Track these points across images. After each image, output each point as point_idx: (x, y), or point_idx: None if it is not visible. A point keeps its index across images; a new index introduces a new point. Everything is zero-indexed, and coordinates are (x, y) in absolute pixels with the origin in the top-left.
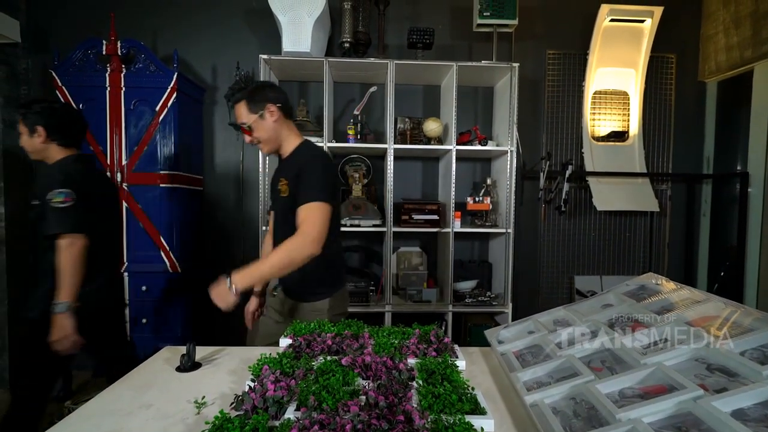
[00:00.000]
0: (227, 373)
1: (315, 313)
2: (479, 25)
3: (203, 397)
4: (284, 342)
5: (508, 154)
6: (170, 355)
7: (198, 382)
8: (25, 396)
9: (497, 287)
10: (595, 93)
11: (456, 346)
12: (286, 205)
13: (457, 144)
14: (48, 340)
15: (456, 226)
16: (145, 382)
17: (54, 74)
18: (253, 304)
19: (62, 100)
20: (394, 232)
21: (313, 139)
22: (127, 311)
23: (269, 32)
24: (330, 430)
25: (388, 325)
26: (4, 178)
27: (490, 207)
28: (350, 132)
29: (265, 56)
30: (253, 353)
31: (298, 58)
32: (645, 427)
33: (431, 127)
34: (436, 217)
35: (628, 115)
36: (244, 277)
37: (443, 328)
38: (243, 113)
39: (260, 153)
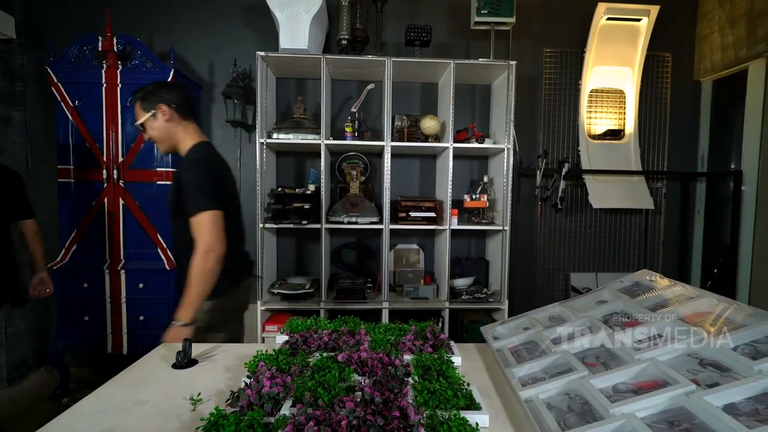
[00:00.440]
0: (223, 369)
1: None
2: (477, 23)
3: (199, 394)
4: (281, 339)
5: (505, 152)
6: (166, 351)
7: (194, 378)
8: None
9: (494, 284)
10: (591, 91)
11: (452, 343)
12: (170, 210)
13: (455, 142)
14: None
15: (453, 223)
16: (141, 378)
17: (49, 70)
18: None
19: (58, 97)
20: (391, 229)
21: (310, 137)
22: (124, 308)
23: (267, 29)
24: (325, 426)
25: (385, 322)
26: None
27: (487, 204)
28: (348, 129)
29: (262, 53)
30: (249, 350)
31: (296, 55)
32: (638, 422)
33: (428, 124)
34: (433, 214)
35: (624, 113)
36: (185, 311)
37: (440, 324)
38: (138, 112)
39: (257, 150)
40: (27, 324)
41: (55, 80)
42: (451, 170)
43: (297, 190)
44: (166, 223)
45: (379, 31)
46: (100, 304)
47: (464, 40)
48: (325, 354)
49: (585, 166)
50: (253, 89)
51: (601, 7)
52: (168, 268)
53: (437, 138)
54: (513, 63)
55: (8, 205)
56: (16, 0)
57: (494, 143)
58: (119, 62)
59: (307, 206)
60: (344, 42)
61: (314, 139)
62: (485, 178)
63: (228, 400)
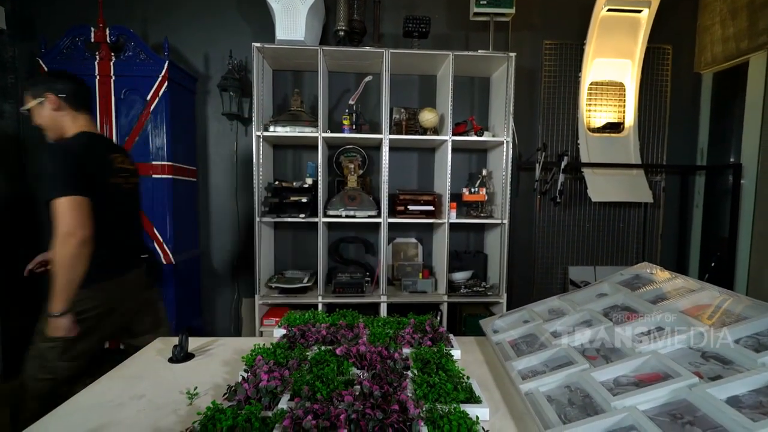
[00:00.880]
0: (220, 363)
1: None
2: (476, 14)
3: (195, 388)
4: (278, 332)
5: (504, 145)
6: (163, 346)
7: (190, 372)
8: None
9: (492, 278)
10: (591, 84)
11: (451, 336)
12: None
13: (453, 134)
14: None
15: (452, 217)
16: (137, 373)
17: (41, 62)
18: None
19: None
20: (389, 223)
21: (307, 130)
22: None
23: (263, 20)
24: (324, 419)
25: (384, 316)
26: None
27: (486, 198)
28: (345, 122)
29: (258, 44)
30: (246, 344)
31: (292, 47)
32: (640, 415)
33: (427, 117)
34: (431, 208)
35: (624, 106)
36: (55, 301)
37: (438, 318)
38: (26, 98)
39: (254, 143)
40: (21, 319)
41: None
42: (449, 163)
43: (294, 183)
44: (163, 217)
45: (377, 22)
46: None
47: (463, 31)
48: (323, 347)
49: (584, 159)
50: (249, 81)
51: None
52: (165, 262)
53: (436, 131)
54: (512, 55)
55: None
56: None
57: (493, 136)
58: (112, 54)
59: (304, 200)
60: (341, 33)
61: (311, 132)
62: (484, 172)
63: (225, 394)
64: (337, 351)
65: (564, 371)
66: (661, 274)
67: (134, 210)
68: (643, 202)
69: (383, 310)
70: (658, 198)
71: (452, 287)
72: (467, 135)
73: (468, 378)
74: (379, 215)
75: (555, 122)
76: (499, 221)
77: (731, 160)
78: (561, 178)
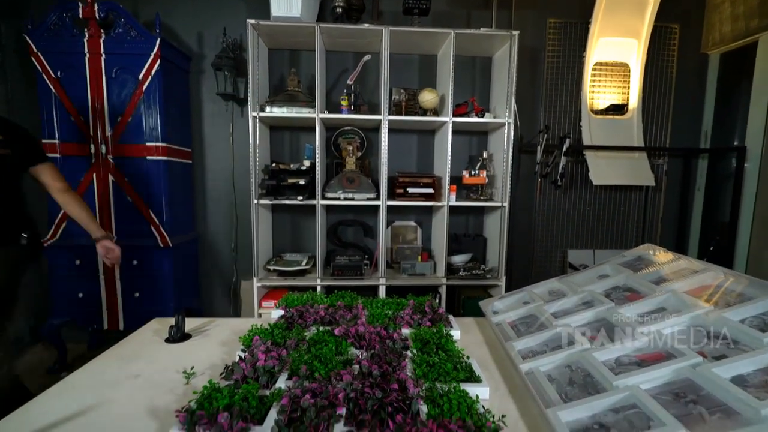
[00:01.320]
0: (218, 344)
1: None
2: None
3: (192, 368)
4: (276, 313)
5: (506, 127)
6: (159, 326)
7: (187, 352)
8: None
9: (492, 261)
10: (595, 64)
11: (450, 317)
12: None
13: (454, 116)
14: None
15: (451, 199)
16: (133, 352)
17: (29, 39)
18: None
19: (39, 68)
20: (388, 205)
21: (305, 110)
22: (118, 285)
23: None
24: (322, 398)
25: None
26: None
27: (486, 181)
28: (343, 103)
29: (252, 21)
30: (244, 325)
31: (288, 24)
32: (642, 393)
33: (427, 97)
34: (431, 190)
35: (629, 87)
36: None
37: (437, 300)
38: None
39: (250, 124)
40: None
41: (35, 50)
42: (449, 145)
43: (292, 165)
44: (159, 200)
45: None
46: (93, 281)
47: (465, 9)
48: (321, 328)
49: (586, 142)
50: (245, 60)
51: None
52: (162, 245)
53: (436, 112)
54: (516, 33)
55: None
56: None
57: (494, 117)
58: (102, 31)
59: (302, 182)
60: (339, 10)
61: (309, 112)
62: (484, 154)
63: (222, 373)
64: (336, 331)
65: (565, 351)
66: (663, 255)
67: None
68: (644, 185)
69: (382, 293)
70: (660, 181)
71: (451, 270)
72: (468, 116)
73: (468, 357)
74: (378, 198)
75: (558, 104)
76: (499, 204)
77: (735, 143)
78: (562, 161)
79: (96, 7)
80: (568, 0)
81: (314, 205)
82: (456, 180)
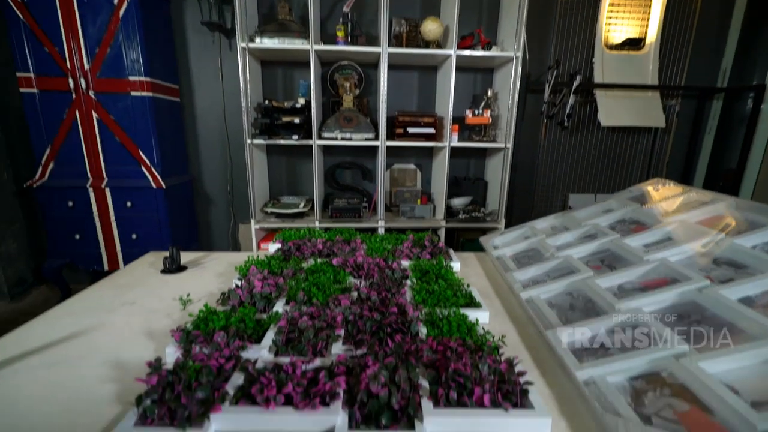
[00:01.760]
0: (214, 275)
1: None
2: None
3: (188, 295)
4: (273, 247)
5: (513, 62)
6: (154, 259)
7: (183, 282)
8: None
9: (492, 204)
10: None
11: (450, 250)
12: None
13: (458, 48)
14: None
15: (453, 140)
16: (128, 282)
17: None
18: None
19: None
20: (387, 146)
21: (297, 42)
22: (114, 226)
23: None
24: (320, 321)
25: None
26: None
27: (490, 121)
28: (339, 34)
29: None
30: (240, 257)
31: None
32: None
33: (430, 27)
34: (432, 130)
35: (648, 20)
36: None
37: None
38: None
39: (239, 57)
40: (19, 243)
41: None
42: (453, 83)
43: (286, 104)
44: (147, 139)
45: None
46: (89, 223)
47: None
48: (319, 260)
49: (598, 79)
50: None
51: None
52: (154, 186)
53: (439, 44)
54: None
55: None
56: None
57: (502, 51)
58: None
59: (297, 121)
60: None
61: (302, 44)
62: (489, 92)
63: (218, 300)
64: (334, 261)
65: (566, 279)
66: (673, 188)
67: None
68: (653, 126)
69: None
70: (670, 124)
71: (450, 213)
72: (474, 49)
73: (468, 286)
74: (376, 138)
75: (570, 38)
76: (502, 145)
77: (754, 83)
78: (571, 100)
79: None
80: None
81: (310, 146)
82: (459, 120)
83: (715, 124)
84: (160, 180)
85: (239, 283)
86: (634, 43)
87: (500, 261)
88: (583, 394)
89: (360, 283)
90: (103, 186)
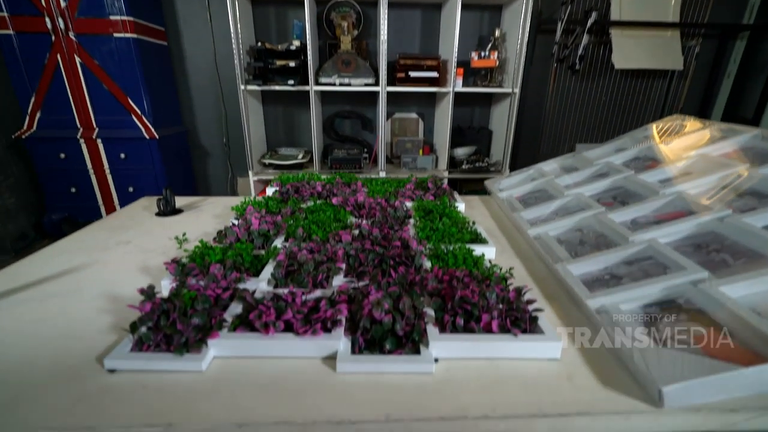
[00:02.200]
0: (210, 216)
1: None
2: None
3: (184, 234)
4: (270, 190)
5: None
6: (148, 203)
7: (179, 224)
8: None
9: (496, 154)
10: None
11: (455, 192)
12: None
13: None
14: None
15: (458, 85)
16: (122, 224)
17: None
18: None
19: None
20: (388, 92)
21: None
22: (110, 179)
23: None
24: (321, 255)
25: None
26: None
27: (497, 64)
28: None
29: None
30: (237, 201)
31: None
32: (659, 245)
33: None
34: (435, 74)
35: None
36: None
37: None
38: None
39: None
40: (16, 198)
41: None
42: (458, 22)
43: (280, 47)
44: (135, 86)
45: None
46: (84, 176)
47: None
48: (318, 201)
49: (615, 17)
50: None
51: None
52: (147, 137)
53: None
54: None
55: None
56: None
57: None
58: None
59: (292, 64)
60: None
61: None
62: (497, 33)
63: (215, 238)
64: (334, 200)
65: (576, 216)
66: (694, 124)
67: None
68: (669, 70)
69: None
70: (688, 67)
71: (453, 163)
72: None
73: (474, 223)
74: (377, 83)
75: None
76: (509, 90)
77: None
78: (584, 40)
79: None
80: None
81: (307, 92)
82: (463, 64)
83: (735, 68)
84: (153, 130)
85: (236, 222)
86: None
87: (507, 202)
88: (595, 321)
89: (361, 221)
90: (94, 137)
